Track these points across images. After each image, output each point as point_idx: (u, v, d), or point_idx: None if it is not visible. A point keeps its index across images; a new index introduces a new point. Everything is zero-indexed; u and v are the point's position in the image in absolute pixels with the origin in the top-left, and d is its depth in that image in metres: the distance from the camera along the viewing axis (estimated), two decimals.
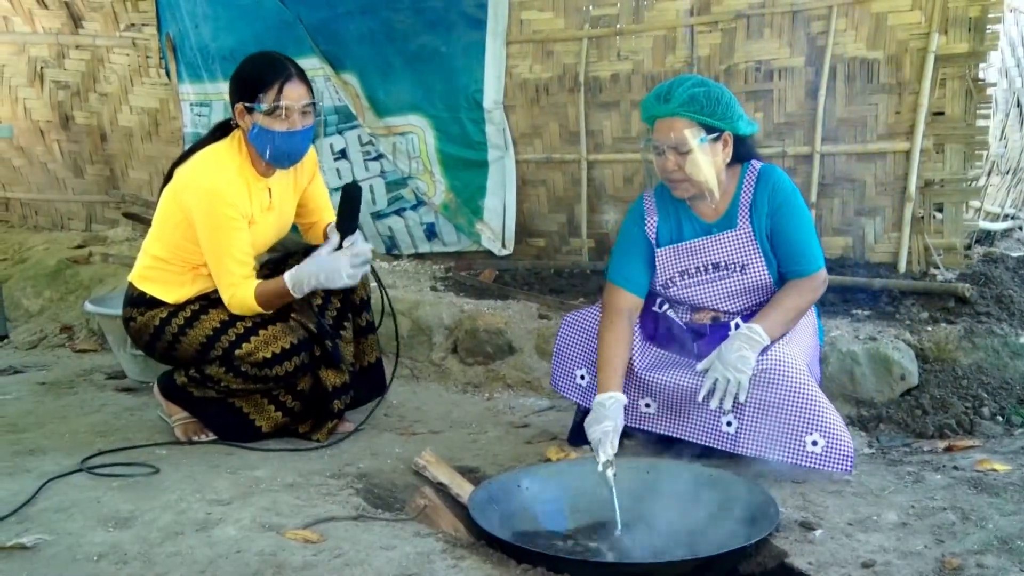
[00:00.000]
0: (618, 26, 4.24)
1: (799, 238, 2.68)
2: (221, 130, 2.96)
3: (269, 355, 2.82)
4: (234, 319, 2.86)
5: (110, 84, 5.33)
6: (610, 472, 2.41)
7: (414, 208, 4.71)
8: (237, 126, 2.88)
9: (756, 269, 2.70)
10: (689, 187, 2.66)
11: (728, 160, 2.68)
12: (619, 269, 2.81)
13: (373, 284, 3.21)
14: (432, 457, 2.60)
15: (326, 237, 2.96)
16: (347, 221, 2.86)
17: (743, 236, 2.70)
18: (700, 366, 2.63)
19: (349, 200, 2.87)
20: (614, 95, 4.28)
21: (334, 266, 2.80)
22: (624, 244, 2.84)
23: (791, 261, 2.69)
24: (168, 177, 2.94)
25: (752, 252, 2.70)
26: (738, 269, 2.71)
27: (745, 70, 3.99)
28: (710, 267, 2.74)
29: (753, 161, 2.76)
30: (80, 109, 5.42)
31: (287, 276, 2.82)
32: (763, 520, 2.17)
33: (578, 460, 2.71)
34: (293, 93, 2.79)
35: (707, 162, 2.61)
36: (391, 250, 4.83)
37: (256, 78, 2.80)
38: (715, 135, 2.62)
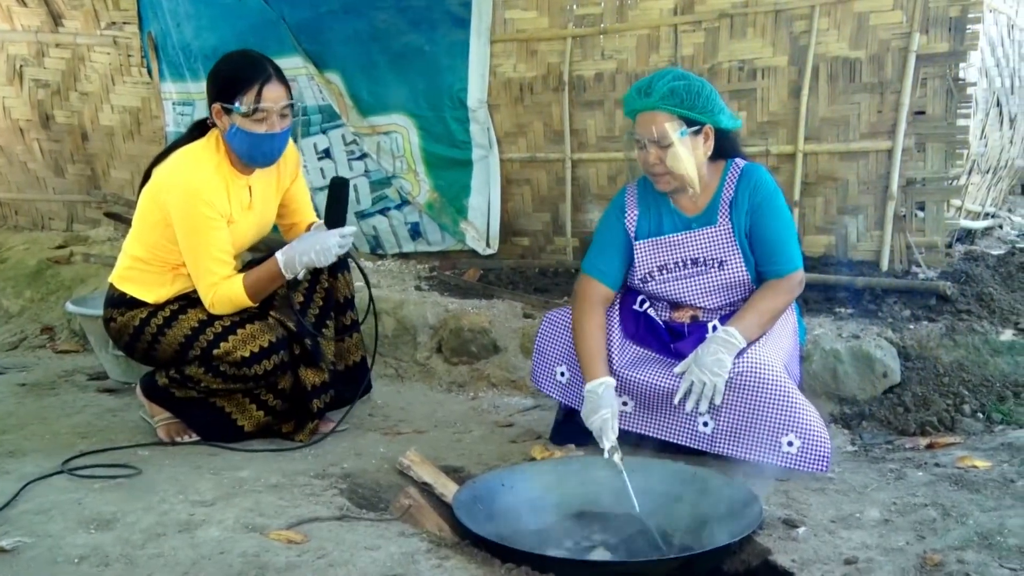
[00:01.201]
0: (602, 25, 4.24)
1: (777, 238, 2.69)
2: (198, 129, 2.94)
3: (247, 354, 2.80)
4: (212, 318, 2.85)
5: (91, 83, 5.29)
6: (616, 457, 2.47)
7: (398, 207, 4.70)
8: (214, 125, 2.86)
9: (734, 266, 2.71)
10: (671, 180, 2.67)
11: (709, 153, 2.69)
12: (594, 261, 2.83)
13: (359, 283, 3.20)
14: (417, 457, 2.60)
15: None
16: (335, 215, 2.85)
17: (722, 232, 2.71)
18: (677, 369, 2.64)
19: (337, 194, 2.86)
20: (598, 94, 4.29)
21: (325, 244, 2.79)
22: (602, 236, 2.86)
23: (768, 260, 2.70)
24: (146, 177, 2.92)
25: (731, 249, 2.71)
26: (716, 265, 2.72)
27: (728, 69, 4.00)
28: (688, 262, 2.75)
29: (737, 159, 2.77)
30: (60, 108, 5.37)
31: (279, 254, 2.82)
32: (747, 518, 2.18)
33: (563, 459, 2.71)
34: (272, 95, 2.77)
35: (688, 155, 2.62)
36: (375, 250, 4.81)
37: (234, 79, 2.77)
38: (696, 128, 2.63)
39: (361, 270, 3.08)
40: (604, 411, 2.55)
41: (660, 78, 2.63)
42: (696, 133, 2.64)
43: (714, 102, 2.63)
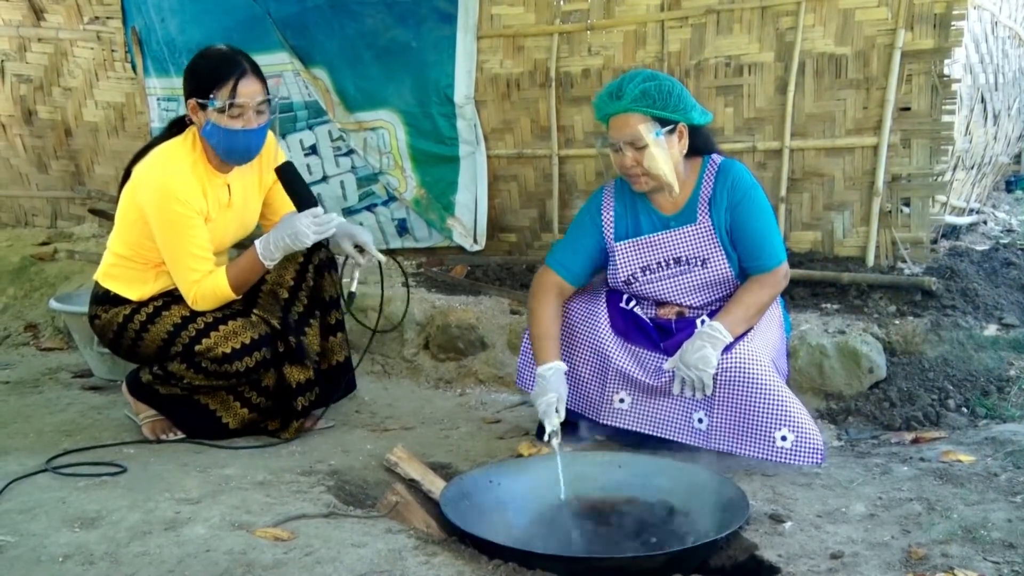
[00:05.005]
0: (588, 21, 4.24)
1: (759, 233, 2.69)
2: (177, 126, 2.92)
3: (229, 350, 2.79)
4: (195, 315, 2.84)
5: (74, 78, 5.25)
6: (555, 442, 2.51)
7: (385, 204, 4.69)
8: (192, 122, 2.84)
9: (717, 263, 2.72)
10: (648, 181, 2.68)
11: (684, 151, 2.70)
12: (559, 256, 2.84)
13: (344, 279, 3.19)
14: (404, 453, 2.60)
15: None
16: (298, 199, 2.84)
17: (703, 230, 2.72)
18: (666, 366, 2.65)
19: (287, 179, 2.85)
20: (585, 90, 4.28)
21: (296, 228, 2.77)
22: (573, 233, 2.87)
23: (751, 257, 2.70)
24: (127, 174, 2.90)
25: (712, 246, 2.72)
26: (699, 263, 2.73)
27: (715, 65, 4.00)
28: (671, 262, 2.75)
29: (714, 155, 2.77)
30: (43, 104, 5.33)
31: (257, 242, 2.81)
32: (734, 513, 2.18)
33: (549, 455, 2.70)
34: (247, 90, 2.74)
35: (664, 155, 2.63)
36: None
37: (210, 74, 2.74)
38: (670, 127, 2.63)
39: (401, 267, 3.16)
40: (550, 395, 2.59)
41: (630, 80, 2.63)
42: (671, 132, 2.64)
43: (685, 100, 2.64)
